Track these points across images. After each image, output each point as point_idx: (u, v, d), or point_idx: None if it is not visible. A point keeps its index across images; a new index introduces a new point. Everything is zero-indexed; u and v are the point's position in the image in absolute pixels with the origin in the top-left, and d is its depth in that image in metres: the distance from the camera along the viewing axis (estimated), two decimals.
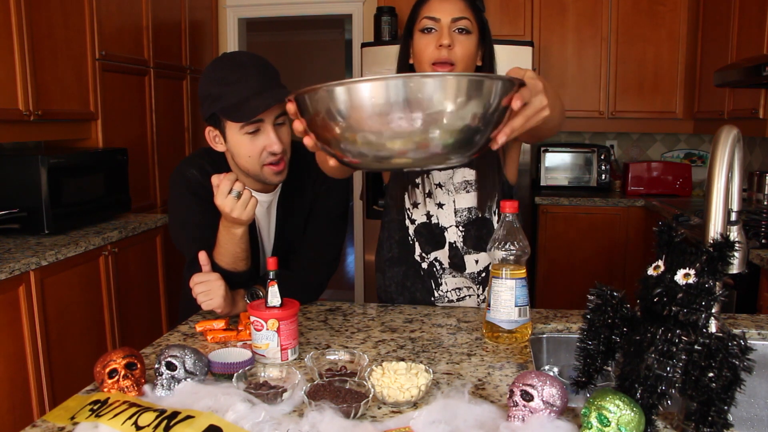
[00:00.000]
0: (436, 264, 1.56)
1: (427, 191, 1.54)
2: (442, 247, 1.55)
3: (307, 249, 1.53)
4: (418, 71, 1.43)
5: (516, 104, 0.87)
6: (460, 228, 1.53)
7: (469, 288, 1.56)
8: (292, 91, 1.26)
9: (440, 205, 1.53)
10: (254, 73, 1.35)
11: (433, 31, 1.40)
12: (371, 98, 0.79)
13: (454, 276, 1.56)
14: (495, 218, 1.53)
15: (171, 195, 1.52)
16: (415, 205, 1.55)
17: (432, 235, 1.55)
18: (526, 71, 0.95)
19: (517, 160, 1.59)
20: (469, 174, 1.52)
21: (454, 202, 1.53)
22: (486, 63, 1.47)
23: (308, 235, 1.54)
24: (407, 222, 1.58)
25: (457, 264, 1.54)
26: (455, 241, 1.54)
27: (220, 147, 1.43)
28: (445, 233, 1.54)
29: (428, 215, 1.55)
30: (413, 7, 1.47)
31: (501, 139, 0.89)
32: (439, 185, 1.53)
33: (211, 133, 1.43)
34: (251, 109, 1.32)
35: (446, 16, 1.39)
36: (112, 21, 3.11)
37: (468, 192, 1.52)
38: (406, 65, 1.49)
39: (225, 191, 1.29)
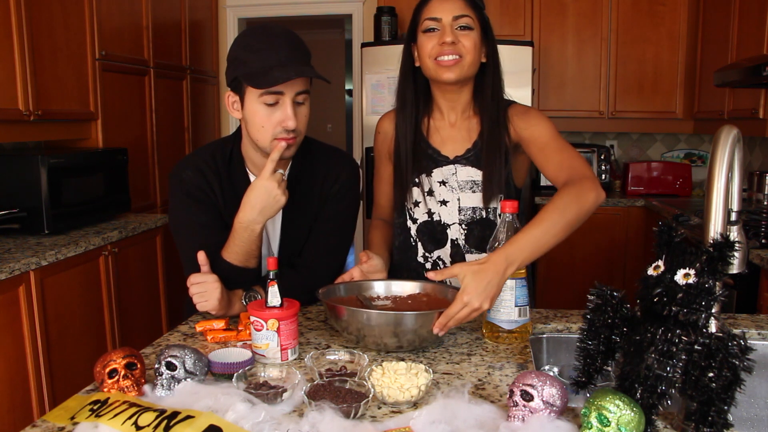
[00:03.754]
0: (440, 263, 1.57)
1: (426, 190, 1.54)
2: (444, 245, 1.55)
3: (312, 252, 1.51)
4: (423, 69, 1.48)
5: (436, 330, 1.18)
6: (463, 226, 1.53)
7: None
8: (316, 71, 1.35)
9: (444, 203, 1.53)
10: (283, 44, 1.34)
11: (435, 30, 1.43)
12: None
13: None
14: (498, 220, 1.52)
15: (169, 196, 1.52)
16: (416, 204, 1.56)
17: (433, 232, 1.56)
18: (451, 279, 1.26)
19: (525, 166, 1.58)
20: (476, 174, 1.51)
21: (458, 200, 1.53)
22: (490, 60, 1.49)
23: (315, 237, 1.51)
24: (409, 223, 1.58)
25: (458, 262, 1.52)
26: (457, 239, 1.54)
27: (236, 114, 1.42)
28: (447, 230, 1.54)
29: (429, 213, 1.55)
30: (415, 10, 1.49)
31: (436, 331, 1.18)
32: (443, 183, 1.53)
33: (230, 99, 1.42)
34: (273, 77, 1.31)
35: (447, 15, 1.42)
36: (112, 21, 3.11)
37: (474, 192, 1.52)
38: (410, 69, 1.52)
39: (269, 170, 1.34)
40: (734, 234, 0.98)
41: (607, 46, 3.77)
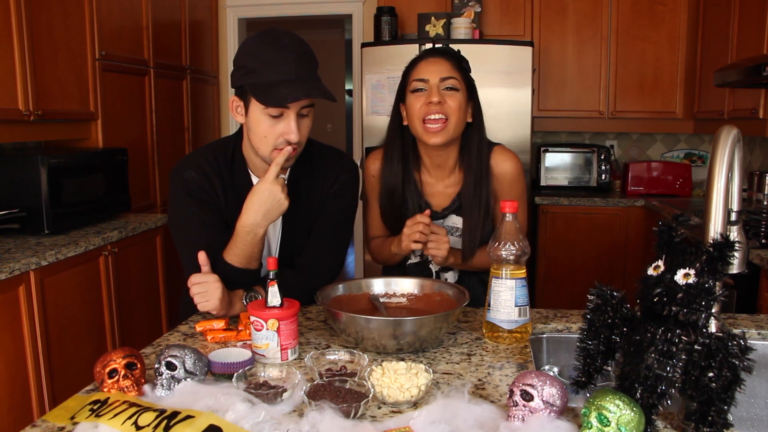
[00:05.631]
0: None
1: None
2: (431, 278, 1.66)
3: (311, 252, 1.51)
4: (411, 129, 1.55)
5: None
6: (456, 271, 1.66)
7: None
8: (324, 88, 1.35)
9: None
10: (293, 59, 1.33)
11: (423, 90, 1.51)
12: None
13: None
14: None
15: (170, 195, 1.52)
16: (413, 251, 1.62)
17: (421, 271, 1.66)
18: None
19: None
20: (459, 221, 1.62)
21: None
22: (476, 120, 1.57)
23: (314, 237, 1.52)
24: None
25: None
26: (446, 278, 1.66)
27: (239, 118, 1.42)
28: (431, 266, 1.66)
29: (422, 255, 1.64)
30: (404, 72, 1.58)
31: None
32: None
33: (234, 103, 1.41)
34: (280, 96, 1.31)
35: (434, 76, 1.50)
36: (112, 21, 3.11)
37: (454, 236, 1.62)
38: (398, 127, 1.59)
39: (274, 173, 1.34)
40: (734, 234, 0.98)
41: (607, 46, 3.77)
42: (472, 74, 1.59)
